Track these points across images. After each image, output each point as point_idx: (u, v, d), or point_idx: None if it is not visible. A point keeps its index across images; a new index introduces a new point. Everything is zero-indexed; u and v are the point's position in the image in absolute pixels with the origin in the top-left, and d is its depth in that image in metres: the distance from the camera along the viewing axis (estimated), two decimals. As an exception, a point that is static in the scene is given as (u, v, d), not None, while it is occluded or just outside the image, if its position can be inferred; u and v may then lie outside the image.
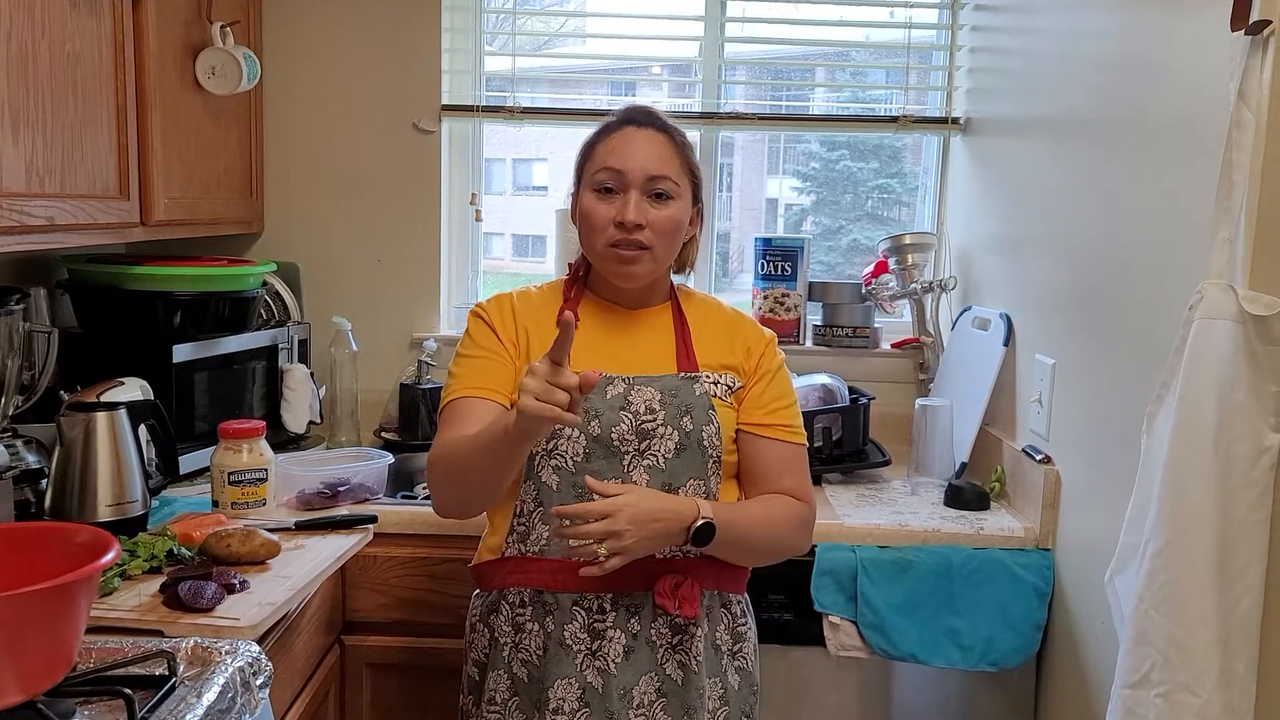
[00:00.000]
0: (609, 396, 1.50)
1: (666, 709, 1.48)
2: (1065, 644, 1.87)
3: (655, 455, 1.49)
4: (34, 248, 1.60)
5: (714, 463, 1.51)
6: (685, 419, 1.50)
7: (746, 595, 1.63)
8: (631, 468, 1.48)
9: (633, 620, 1.48)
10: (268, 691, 1.31)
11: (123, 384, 1.89)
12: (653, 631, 1.48)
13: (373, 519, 1.85)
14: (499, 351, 1.54)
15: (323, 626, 1.86)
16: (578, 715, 1.46)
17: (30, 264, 2.11)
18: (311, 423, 2.42)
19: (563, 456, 1.48)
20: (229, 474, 1.86)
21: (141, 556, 1.56)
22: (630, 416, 1.49)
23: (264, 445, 1.91)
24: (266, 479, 1.90)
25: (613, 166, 1.50)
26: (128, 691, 1.13)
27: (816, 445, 2.23)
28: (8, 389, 1.75)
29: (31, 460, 1.76)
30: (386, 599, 1.99)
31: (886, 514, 2.03)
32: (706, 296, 1.68)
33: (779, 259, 2.58)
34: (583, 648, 1.47)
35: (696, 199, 1.57)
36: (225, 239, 2.47)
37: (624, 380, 1.52)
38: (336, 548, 1.73)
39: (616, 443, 1.48)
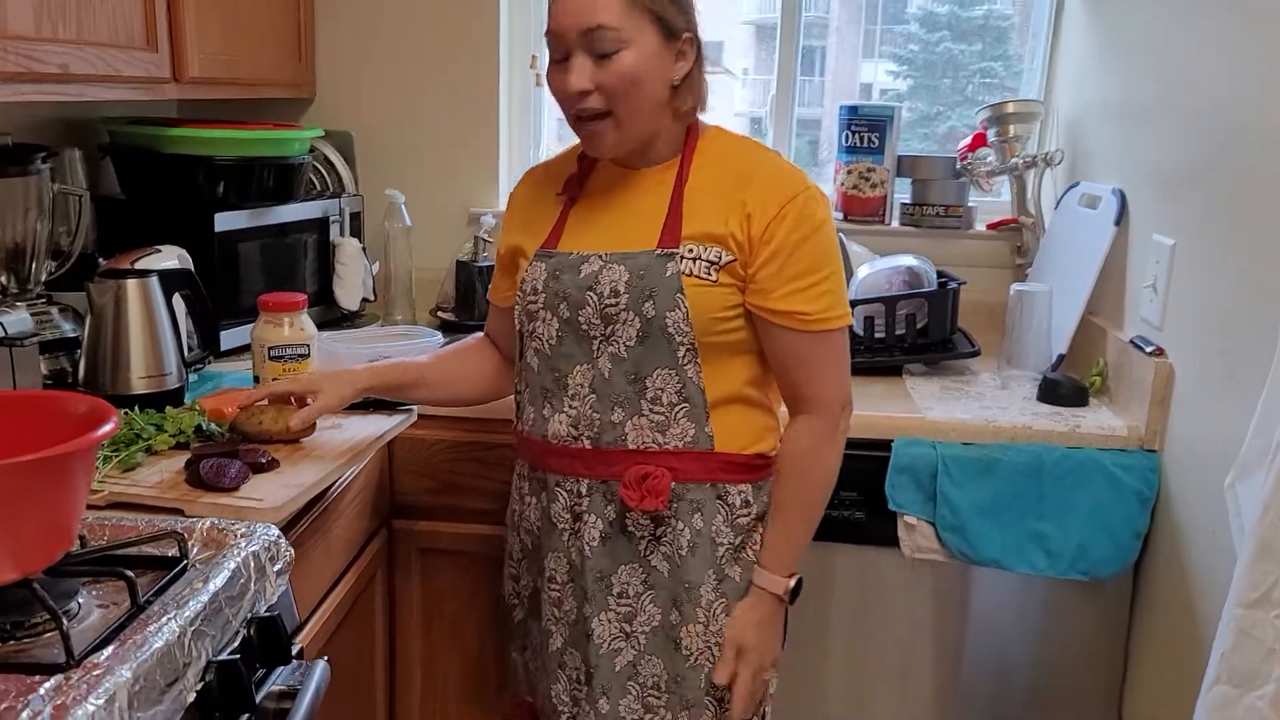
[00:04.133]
0: (581, 276, 1.39)
1: (655, 600, 1.42)
2: (1168, 554, 1.70)
3: (618, 343, 1.37)
4: (52, 98, 1.49)
5: (687, 350, 1.36)
6: (648, 304, 1.35)
7: (765, 484, 1.47)
8: (598, 354, 1.39)
9: (609, 507, 1.42)
10: (287, 578, 1.23)
11: (160, 251, 1.81)
12: (628, 522, 1.41)
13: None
14: (504, 254, 1.54)
15: (367, 509, 1.78)
16: (566, 588, 1.46)
17: (72, 126, 2.01)
18: (365, 300, 2.32)
19: (540, 339, 1.43)
20: (269, 349, 1.76)
21: (168, 431, 1.47)
22: (595, 299, 1.37)
23: (306, 320, 1.80)
24: (309, 355, 1.79)
25: (550, 30, 1.34)
26: (129, 573, 1.05)
27: (899, 333, 2.05)
28: (38, 253, 1.67)
29: (67, 329, 1.69)
30: (434, 483, 1.91)
31: (973, 408, 1.86)
32: (733, 143, 1.45)
33: (865, 130, 2.36)
34: (566, 526, 1.45)
35: (673, 33, 1.34)
36: (276, 105, 2.35)
37: (600, 258, 1.39)
38: (375, 429, 1.63)
39: (584, 327, 1.39)
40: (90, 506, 1.29)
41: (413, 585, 1.96)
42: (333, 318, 2.28)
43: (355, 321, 2.31)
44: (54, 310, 1.68)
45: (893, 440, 1.79)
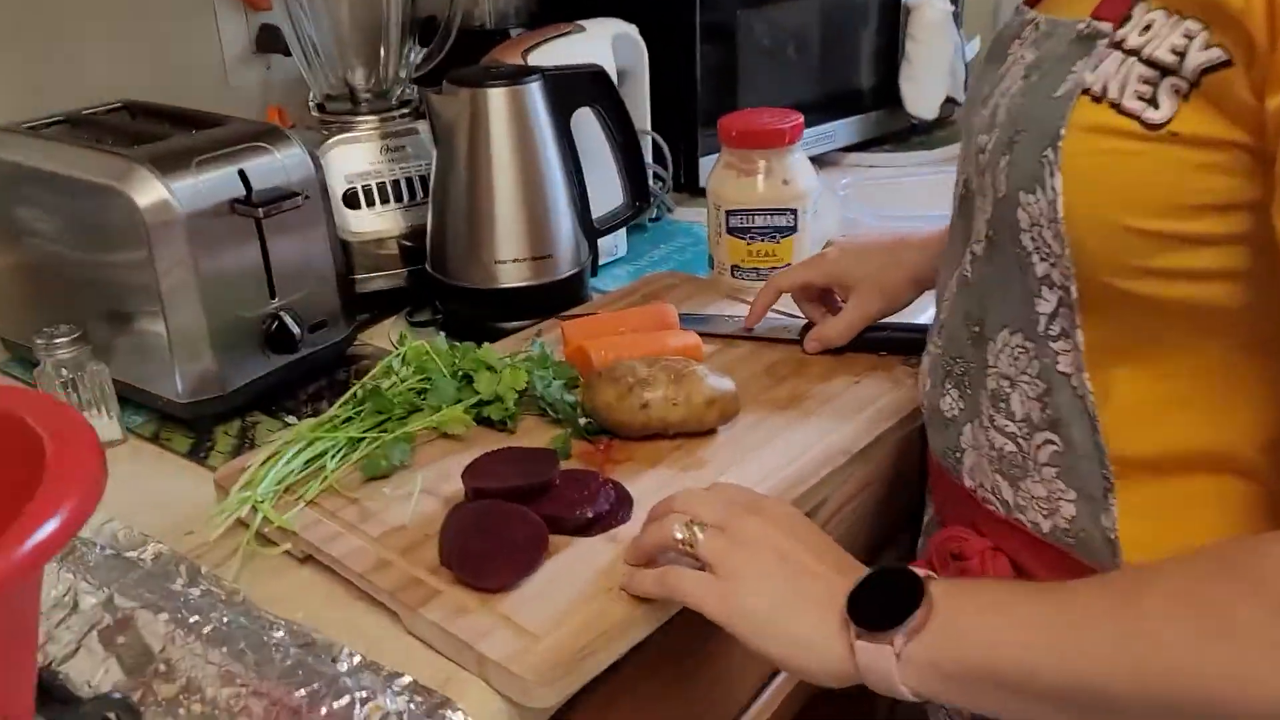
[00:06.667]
0: (1001, 65, 0.60)
1: None
2: None
3: (973, 240, 0.61)
4: None
5: (1058, 302, 0.54)
6: (1004, 159, 0.55)
7: None
8: (962, 254, 0.63)
9: None
10: None
11: (582, 30, 1.09)
12: None
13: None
14: None
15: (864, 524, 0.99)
16: None
17: None
18: (950, 101, 1.43)
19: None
20: (727, 214, 1.00)
21: (475, 396, 0.78)
22: (983, 124, 0.59)
23: (794, 162, 0.99)
24: (795, 229, 0.99)
25: None
26: None
27: None
28: (389, 41, 1.04)
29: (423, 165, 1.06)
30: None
31: None
32: None
33: None
34: None
35: None
36: None
37: (1034, 27, 0.59)
38: (869, 411, 0.79)
39: (968, 186, 0.62)
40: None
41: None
42: (894, 129, 1.45)
43: (929, 140, 1.45)
44: (420, 128, 1.05)
45: None
